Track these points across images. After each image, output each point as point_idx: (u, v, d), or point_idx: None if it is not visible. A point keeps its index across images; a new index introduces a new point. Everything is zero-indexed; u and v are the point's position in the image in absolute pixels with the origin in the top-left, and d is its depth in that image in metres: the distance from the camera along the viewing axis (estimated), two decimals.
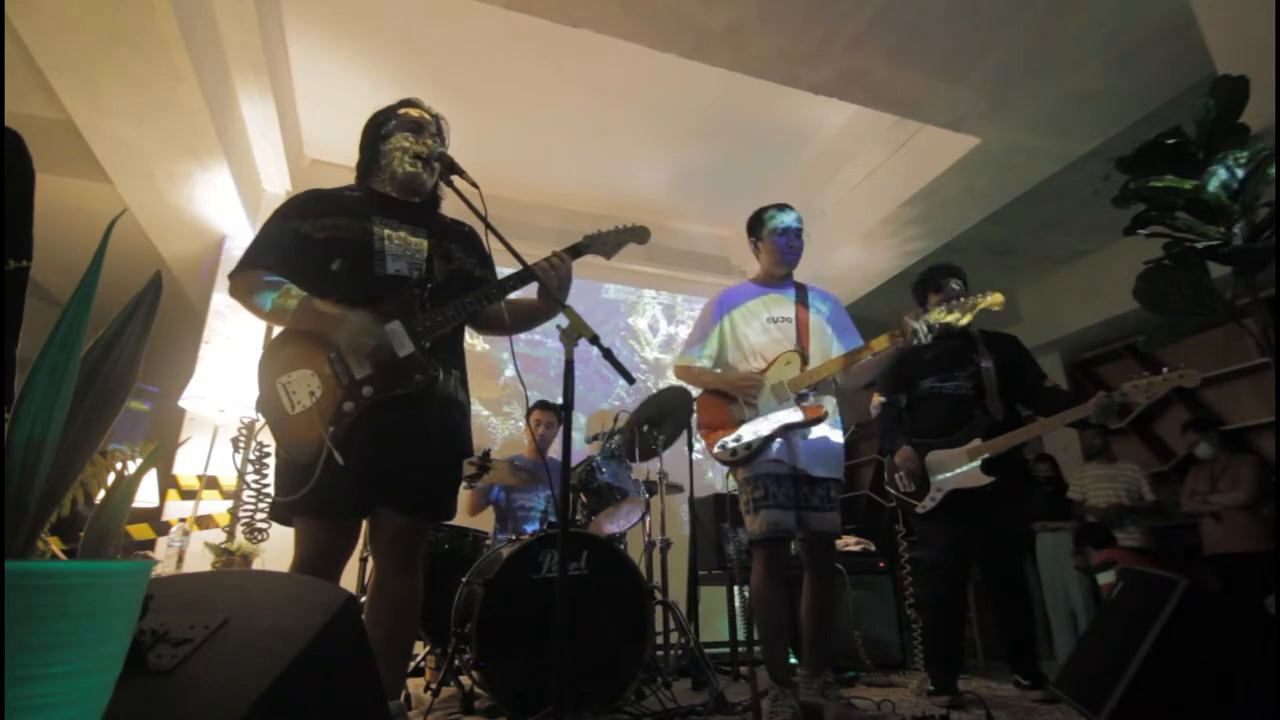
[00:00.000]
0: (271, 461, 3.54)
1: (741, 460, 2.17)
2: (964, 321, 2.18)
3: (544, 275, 1.60)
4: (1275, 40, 2.04)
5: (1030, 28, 3.01)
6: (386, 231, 1.58)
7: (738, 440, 2.17)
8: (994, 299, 2.20)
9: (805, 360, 2.22)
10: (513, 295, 1.65)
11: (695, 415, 2.37)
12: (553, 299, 1.59)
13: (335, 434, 1.41)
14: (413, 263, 1.59)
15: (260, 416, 1.54)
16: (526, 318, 1.76)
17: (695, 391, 2.49)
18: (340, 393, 1.45)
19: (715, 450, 2.23)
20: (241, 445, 3.41)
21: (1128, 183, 2.13)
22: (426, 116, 1.70)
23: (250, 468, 3.35)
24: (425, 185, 1.68)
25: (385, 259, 1.56)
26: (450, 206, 1.74)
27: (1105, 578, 3.79)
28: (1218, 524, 3.82)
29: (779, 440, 2.15)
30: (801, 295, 2.36)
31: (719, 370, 2.33)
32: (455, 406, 1.62)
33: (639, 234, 1.78)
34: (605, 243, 1.73)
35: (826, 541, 2.20)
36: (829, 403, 2.24)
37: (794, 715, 1.97)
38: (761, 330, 2.29)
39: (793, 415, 2.15)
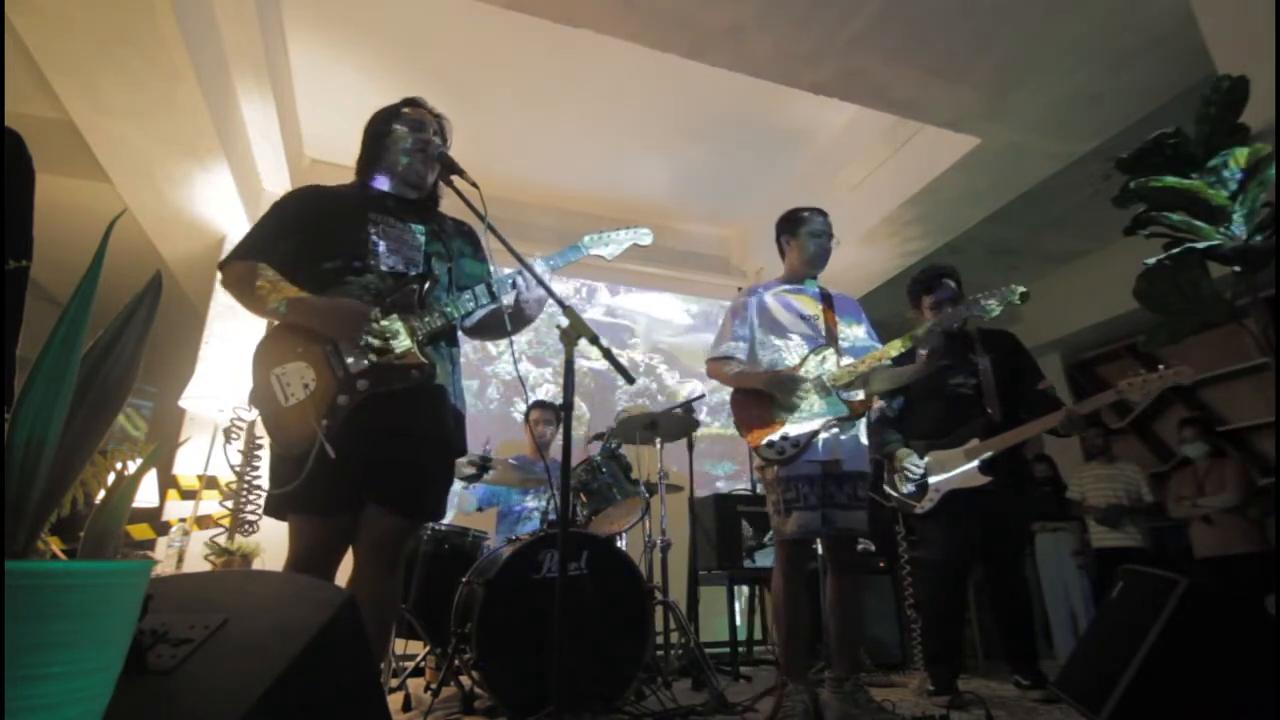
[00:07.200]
0: (264, 455, 3.55)
1: (789, 458, 2.14)
2: (997, 312, 2.20)
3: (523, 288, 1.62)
4: (1275, 40, 2.04)
5: (1030, 28, 3.02)
6: (384, 229, 1.58)
7: (785, 438, 2.15)
8: (1018, 291, 2.21)
9: (839, 355, 2.23)
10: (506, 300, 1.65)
11: (733, 416, 2.34)
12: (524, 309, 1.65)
13: (329, 427, 1.40)
14: (410, 260, 1.58)
15: (253, 409, 1.54)
16: (517, 321, 1.73)
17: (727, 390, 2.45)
18: (335, 386, 1.44)
19: (762, 448, 2.19)
20: (234, 437, 3.41)
21: (1128, 183, 2.13)
22: (428, 115, 1.70)
23: (241, 459, 3.36)
24: (425, 181, 1.68)
25: (382, 256, 1.55)
26: (450, 207, 1.74)
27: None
28: (1209, 527, 3.82)
29: (821, 437, 2.15)
30: (826, 296, 2.40)
31: (749, 367, 2.31)
32: (449, 404, 1.61)
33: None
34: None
35: (848, 540, 2.20)
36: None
37: (805, 710, 1.97)
38: (793, 325, 2.30)
39: (837, 409, 2.15)
